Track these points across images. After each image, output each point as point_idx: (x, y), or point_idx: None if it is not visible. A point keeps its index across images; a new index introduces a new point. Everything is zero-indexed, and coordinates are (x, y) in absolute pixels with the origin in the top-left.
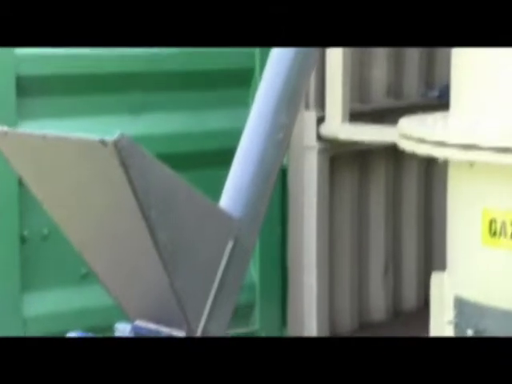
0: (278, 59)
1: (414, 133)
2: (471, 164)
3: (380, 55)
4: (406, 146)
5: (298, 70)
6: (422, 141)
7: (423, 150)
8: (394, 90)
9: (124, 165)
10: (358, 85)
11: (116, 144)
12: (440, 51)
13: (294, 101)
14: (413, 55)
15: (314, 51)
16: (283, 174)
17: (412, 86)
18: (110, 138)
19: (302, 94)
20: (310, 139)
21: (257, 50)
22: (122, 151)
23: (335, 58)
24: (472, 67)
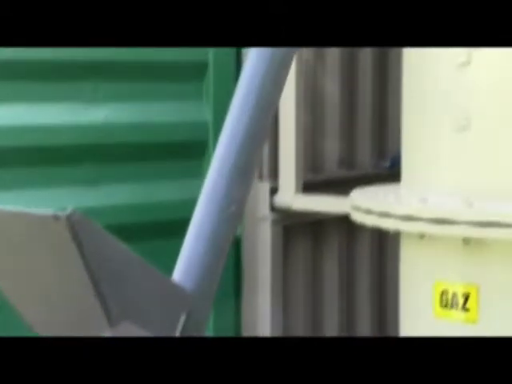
0: (231, 132)
1: (366, 204)
2: (421, 236)
3: (332, 126)
4: (358, 217)
5: (250, 142)
6: (372, 212)
7: (374, 221)
8: (347, 160)
9: (76, 239)
10: (311, 155)
11: (69, 219)
12: (392, 121)
13: (248, 173)
14: (365, 126)
15: (265, 123)
16: (237, 244)
17: (364, 156)
18: (63, 212)
19: (255, 166)
20: (264, 210)
21: (210, 122)
22: (75, 226)
23: (288, 129)
24: (420, 141)
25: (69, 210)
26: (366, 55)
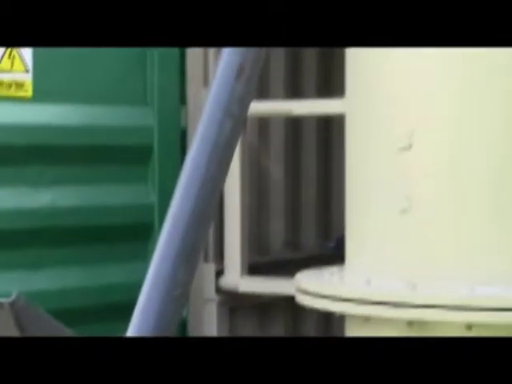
0: (176, 214)
1: (310, 287)
2: (366, 318)
3: (277, 207)
4: (303, 300)
5: (195, 224)
6: (317, 295)
7: (319, 304)
8: (292, 241)
9: (20, 325)
10: (256, 237)
11: (12, 305)
12: (336, 203)
13: (193, 256)
14: (309, 207)
15: (210, 206)
16: (183, 326)
17: (309, 237)
18: (6, 300)
19: (201, 248)
20: (210, 292)
21: (156, 205)
22: (19, 312)
23: (233, 211)
24: (364, 223)
25: (13, 297)
26: (310, 135)
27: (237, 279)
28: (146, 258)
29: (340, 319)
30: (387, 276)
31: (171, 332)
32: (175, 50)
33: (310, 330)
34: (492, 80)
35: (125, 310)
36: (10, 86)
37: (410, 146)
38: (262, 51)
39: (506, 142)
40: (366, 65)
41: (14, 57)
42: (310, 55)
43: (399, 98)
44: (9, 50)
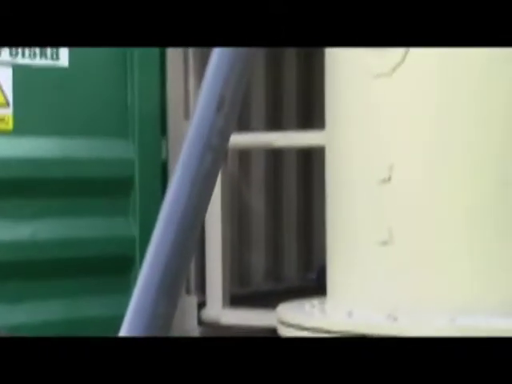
0: (157, 247)
1: (291, 319)
2: None
3: (258, 239)
4: (285, 332)
5: (177, 257)
6: (298, 327)
7: (300, 336)
8: (274, 273)
9: None
10: (237, 269)
11: None
12: (317, 233)
13: (175, 288)
14: (291, 238)
15: (192, 238)
16: None
17: (291, 268)
18: None
19: (183, 280)
20: (192, 324)
21: (137, 237)
22: None
23: (214, 242)
24: (345, 254)
25: None
26: (291, 166)
27: (218, 311)
28: (127, 290)
29: None
30: (369, 308)
31: None
32: (156, 82)
33: None
34: (468, 110)
35: None
36: None
37: (389, 178)
38: (242, 83)
39: (484, 172)
40: (345, 97)
41: None
42: (291, 87)
43: (378, 131)
44: None
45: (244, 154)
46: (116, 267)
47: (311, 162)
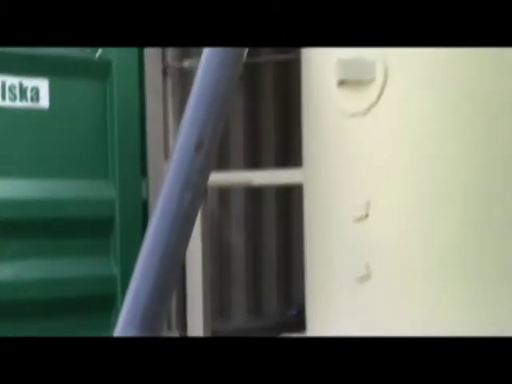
0: (138, 285)
1: None
2: None
3: (239, 275)
4: None
5: (158, 294)
6: None
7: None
8: (254, 309)
9: None
10: (218, 305)
11: None
12: (297, 269)
13: (156, 325)
14: (271, 275)
15: (172, 275)
16: None
17: (271, 304)
18: None
19: (164, 318)
20: None
21: (118, 276)
22: None
23: (195, 279)
24: (323, 290)
25: None
26: (270, 204)
27: None
28: (108, 328)
29: None
30: None
31: None
32: (135, 122)
33: None
34: (442, 148)
35: None
36: None
37: (366, 216)
38: (220, 123)
39: (459, 209)
40: (322, 136)
41: None
42: (269, 126)
43: (354, 169)
44: None
45: (224, 191)
46: (97, 306)
47: (290, 199)
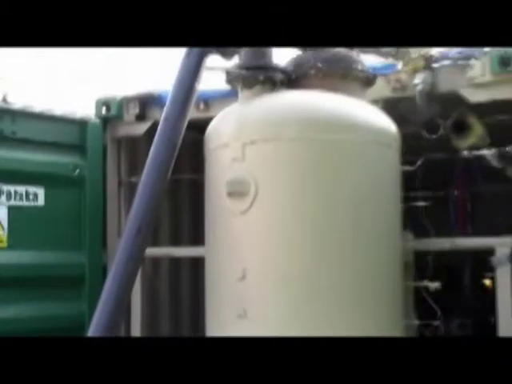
0: (99, 315)
1: None
2: None
3: (164, 314)
4: None
5: (112, 325)
6: None
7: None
8: (175, 332)
9: None
10: (149, 331)
11: None
12: (202, 311)
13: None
14: (186, 313)
15: (122, 311)
16: None
17: (186, 331)
18: None
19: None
20: None
21: (86, 314)
22: None
23: (136, 311)
24: (215, 324)
25: None
26: (186, 270)
27: None
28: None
29: None
30: None
31: None
32: (99, 214)
33: None
34: (294, 232)
35: None
36: None
37: (244, 277)
38: (152, 219)
39: (305, 263)
40: (215, 226)
41: None
42: (185, 216)
43: (237, 248)
44: None
45: (155, 260)
46: (71, 333)
47: (199, 265)
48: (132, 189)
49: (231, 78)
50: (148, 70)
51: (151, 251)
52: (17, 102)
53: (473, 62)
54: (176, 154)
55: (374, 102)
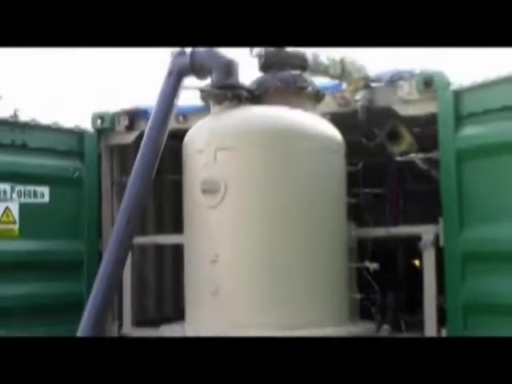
0: (95, 293)
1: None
2: None
3: (151, 290)
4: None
5: (106, 299)
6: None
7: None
8: (159, 308)
9: None
10: (139, 306)
11: None
12: (182, 289)
13: (103, 320)
14: (170, 291)
15: (114, 288)
16: None
17: (170, 307)
18: None
19: (110, 308)
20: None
21: (85, 292)
22: None
23: (126, 291)
24: (192, 301)
25: None
26: (168, 254)
27: (129, 329)
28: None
29: None
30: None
31: None
32: (95, 207)
33: None
34: (259, 223)
35: None
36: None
37: (216, 260)
38: (139, 211)
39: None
40: (193, 217)
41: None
42: (168, 209)
43: (211, 236)
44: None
45: (142, 247)
46: (70, 309)
47: (179, 251)
48: (123, 187)
49: (204, 95)
50: (135, 87)
51: (139, 240)
52: (24, 115)
53: (402, 82)
54: (159, 158)
55: (323, 115)
